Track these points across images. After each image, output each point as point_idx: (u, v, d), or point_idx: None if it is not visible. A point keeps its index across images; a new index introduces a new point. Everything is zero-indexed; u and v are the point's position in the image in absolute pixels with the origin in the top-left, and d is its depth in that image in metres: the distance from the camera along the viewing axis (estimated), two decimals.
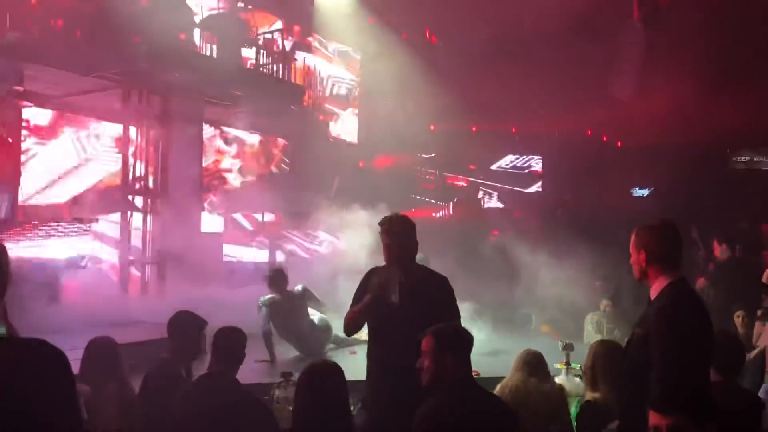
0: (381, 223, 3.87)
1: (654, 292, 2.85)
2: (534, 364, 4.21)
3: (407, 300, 3.73)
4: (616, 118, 13.64)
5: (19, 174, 8.40)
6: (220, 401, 3.34)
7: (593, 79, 13.11)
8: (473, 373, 5.70)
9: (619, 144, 15.43)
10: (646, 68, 12.94)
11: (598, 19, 12.43)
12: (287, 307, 7.43)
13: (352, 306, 3.93)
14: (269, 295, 7.41)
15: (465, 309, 8.39)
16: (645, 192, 15.47)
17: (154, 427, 3.60)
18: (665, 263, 2.85)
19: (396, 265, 3.81)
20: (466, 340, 3.01)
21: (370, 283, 3.83)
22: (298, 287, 7.66)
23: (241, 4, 11.58)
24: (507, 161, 16.30)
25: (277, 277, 7.53)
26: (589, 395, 3.82)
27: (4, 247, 1.84)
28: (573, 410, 4.18)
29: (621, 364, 3.05)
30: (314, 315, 7.68)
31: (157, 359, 4.03)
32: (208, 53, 10.05)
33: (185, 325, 3.96)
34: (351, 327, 3.90)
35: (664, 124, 12.62)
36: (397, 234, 3.82)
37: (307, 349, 7.45)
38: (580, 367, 5.50)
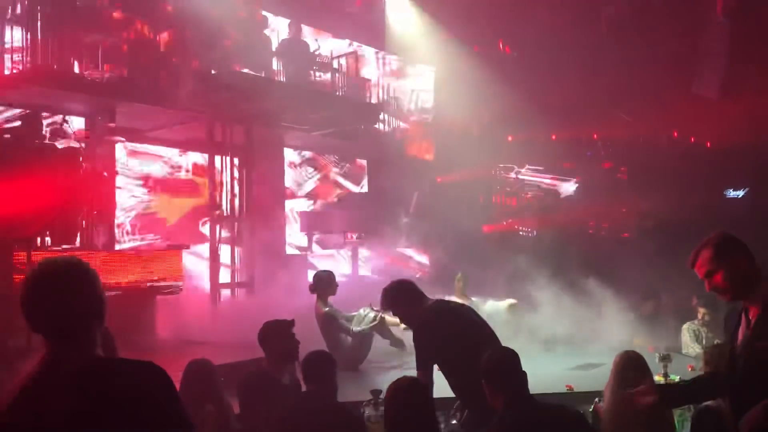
0: None
1: (758, 301, 2.71)
2: (634, 370, 3.97)
3: None
4: (703, 117, 13.07)
5: (114, 206, 8.84)
6: (319, 419, 3.41)
7: (677, 78, 12.64)
8: (566, 388, 5.57)
9: (708, 144, 14.76)
10: (733, 63, 12.36)
11: (679, 14, 12.01)
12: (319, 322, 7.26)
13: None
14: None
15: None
16: (740, 193, 14.71)
17: None
18: (758, 266, 2.76)
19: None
20: None
21: None
22: (362, 327, 7.40)
23: (312, 29, 11.85)
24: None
25: (316, 281, 7.43)
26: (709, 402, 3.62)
27: (96, 274, 1.94)
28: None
29: (735, 375, 2.85)
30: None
31: (256, 369, 4.27)
32: (284, 80, 10.33)
33: (274, 330, 4.23)
34: None
35: (756, 121, 11.99)
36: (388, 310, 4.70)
37: None
38: (679, 379, 5.26)
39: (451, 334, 4.20)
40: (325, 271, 7.83)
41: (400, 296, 4.49)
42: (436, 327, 4.26)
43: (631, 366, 3.95)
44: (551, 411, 3.12)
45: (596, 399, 4.25)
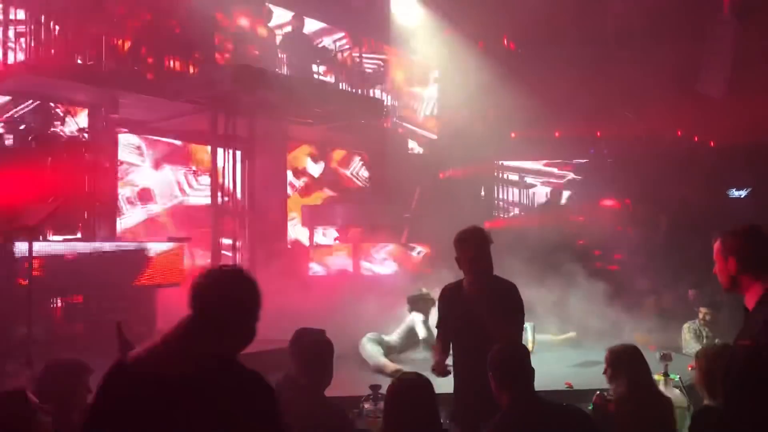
0: (457, 237, 3.89)
1: (751, 301, 2.72)
2: (632, 362, 4.00)
3: (476, 311, 3.74)
4: (708, 116, 13.02)
5: (117, 198, 8.84)
6: (302, 413, 3.33)
7: (682, 77, 12.59)
8: (565, 385, 5.57)
9: (712, 143, 14.71)
10: (739, 62, 12.31)
11: (685, 13, 11.96)
12: None
13: (438, 326, 4.18)
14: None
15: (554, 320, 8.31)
16: (743, 193, 14.67)
17: None
18: (759, 269, 2.74)
19: (472, 276, 3.87)
20: None
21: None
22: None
23: (318, 23, 11.82)
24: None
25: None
26: (708, 402, 3.63)
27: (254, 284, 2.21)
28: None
29: (727, 376, 2.89)
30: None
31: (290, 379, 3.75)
32: (288, 73, 10.32)
33: (323, 352, 3.61)
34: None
35: (761, 121, 11.94)
36: (471, 246, 3.84)
37: None
38: (679, 378, 5.26)
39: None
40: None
41: (486, 246, 3.86)
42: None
43: (641, 359, 4.02)
44: (556, 410, 3.11)
45: (598, 392, 4.22)
